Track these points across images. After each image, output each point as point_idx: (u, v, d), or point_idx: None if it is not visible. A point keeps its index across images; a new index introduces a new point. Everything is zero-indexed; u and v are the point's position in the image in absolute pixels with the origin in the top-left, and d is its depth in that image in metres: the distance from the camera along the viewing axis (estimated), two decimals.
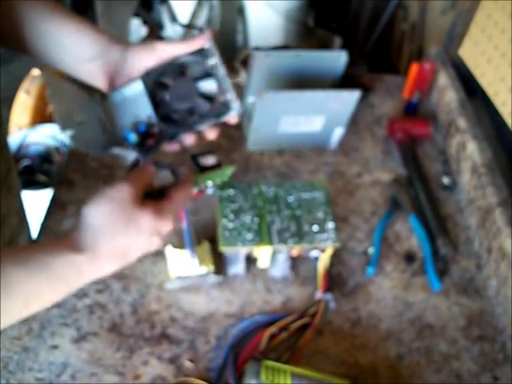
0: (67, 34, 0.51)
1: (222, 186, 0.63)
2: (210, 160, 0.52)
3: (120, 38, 0.52)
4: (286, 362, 0.53)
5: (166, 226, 0.45)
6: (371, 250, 0.68)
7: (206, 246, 0.63)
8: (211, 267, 0.61)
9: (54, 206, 0.68)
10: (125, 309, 0.59)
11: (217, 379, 0.54)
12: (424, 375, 0.58)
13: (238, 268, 0.62)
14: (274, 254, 0.61)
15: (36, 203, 1.27)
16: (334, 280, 0.64)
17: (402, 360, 0.58)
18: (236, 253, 0.60)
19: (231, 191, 0.63)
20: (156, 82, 0.50)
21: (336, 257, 0.62)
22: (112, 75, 0.51)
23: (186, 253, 0.59)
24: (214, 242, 0.63)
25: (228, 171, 0.52)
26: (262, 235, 0.60)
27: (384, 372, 0.57)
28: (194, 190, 0.52)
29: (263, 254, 0.61)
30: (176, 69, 0.50)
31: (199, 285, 0.62)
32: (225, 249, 0.59)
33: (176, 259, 0.61)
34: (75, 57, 0.51)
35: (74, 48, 0.51)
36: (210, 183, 0.52)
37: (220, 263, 0.62)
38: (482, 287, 0.67)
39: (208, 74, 0.50)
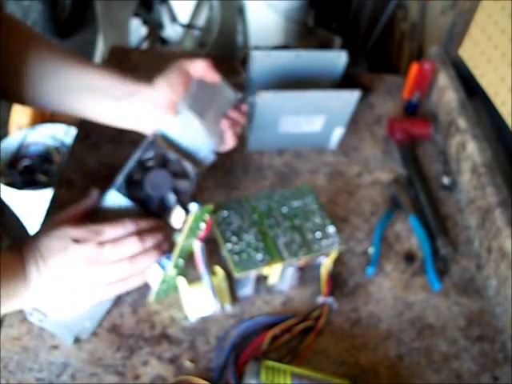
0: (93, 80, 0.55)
1: (215, 210, 0.59)
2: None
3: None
4: (288, 364, 0.53)
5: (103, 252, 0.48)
6: (371, 250, 0.68)
7: (221, 278, 0.60)
8: (229, 299, 0.60)
9: (54, 206, 0.68)
10: (125, 309, 0.59)
11: (217, 379, 0.54)
12: (424, 375, 0.58)
13: (248, 290, 0.61)
14: (283, 269, 0.59)
15: (36, 203, 1.28)
16: (335, 280, 0.64)
17: (401, 360, 0.58)
18: (247, 275, 0.57)
19: (224, 213, 0.60)
20: (140, 163, 0.55)
21: (336, 257, 0.62)
22: None
23: (203, 292, 0.56)
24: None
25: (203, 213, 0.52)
26: (272, 253, 0.57)
27: (384, 372, 0.57)
28: (202, 229, 0.53)
29: (274, 271, 0.59)
30: (160, 160, 0.56)
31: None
32: (239, 274, 0.55)
33: (193, 299, 0.57)
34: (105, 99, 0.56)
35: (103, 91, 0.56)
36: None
37: (231, 287, 0.61)
38: (482, 287, 0.67)
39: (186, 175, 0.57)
